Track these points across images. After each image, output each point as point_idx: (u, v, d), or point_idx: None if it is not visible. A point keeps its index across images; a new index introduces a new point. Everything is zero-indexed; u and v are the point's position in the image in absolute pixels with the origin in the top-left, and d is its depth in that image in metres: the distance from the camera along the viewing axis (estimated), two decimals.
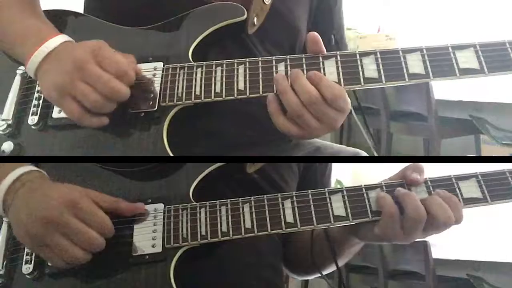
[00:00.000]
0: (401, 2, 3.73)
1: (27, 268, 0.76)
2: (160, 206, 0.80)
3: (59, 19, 0.84)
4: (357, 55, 0.77)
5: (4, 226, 0.80)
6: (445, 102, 2.67)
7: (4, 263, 0.78)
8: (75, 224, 0.72)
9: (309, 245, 0.90)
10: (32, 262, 0.77)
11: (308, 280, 3.49)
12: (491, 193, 0.77)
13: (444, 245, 2.45)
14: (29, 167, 0.78)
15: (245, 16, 0.84)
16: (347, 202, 0.78)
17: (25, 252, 0.78)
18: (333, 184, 1.05)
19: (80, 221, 0.72)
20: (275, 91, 0.76)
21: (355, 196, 0.78)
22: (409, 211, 0.74)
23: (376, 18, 3.81)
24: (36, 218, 0.71)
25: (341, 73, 0.76)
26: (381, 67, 0.76)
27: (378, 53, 0.76)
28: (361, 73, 0.76)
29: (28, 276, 0.76)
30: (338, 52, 0.78)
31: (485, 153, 2.87)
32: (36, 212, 0.72)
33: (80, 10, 0.95)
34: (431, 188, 0.78)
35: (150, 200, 0.80)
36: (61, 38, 0.78)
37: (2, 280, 0.77)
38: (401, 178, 0.80)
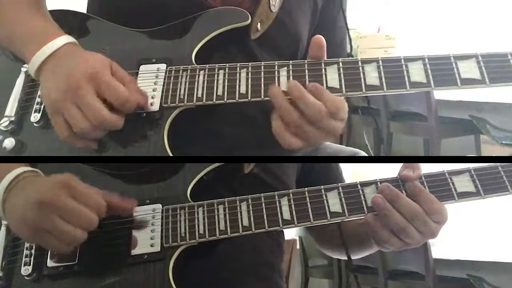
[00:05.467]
0: (401, 2, 3.73)
1: (26, 270, 0.77)
2: (158, 206, 0.80)
3: (64, 20, 0.84)
4: (359, 62, 0.77)
5: (3, 228, 0.81)
6: (445, 102, 2.67)
7: (3, 265, 0.78)
8: (70, 203, 0.71)
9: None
10: (31, 263, 0.77)
11: (308, 279, 3.51)
12: (484, 187, 0.78)
13: (444, 245, 2.45)
14: (26, 167, 0.78)
15: (249, 21, 0.85)
16: (343, 198, 0.78)
17: (24, 254, 0.78)
18: None
19: (75, 200, 0.72)
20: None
21: (351, 192, 0.79)
22: (392, 227, 0.76)
23: (376, 18, 3.81)
24: (31, 203, 0.71)
25: (342, 80, 0.76)
26: (382, 74, 0.76)
27: (380, 61, 0.76)
28: (362, 80, 0.76)
29: (27, 278, 0.77)
30: (340, 59, 0.78)
31: (485, 153, 2.87)
32: (31, 197, 0.72)
33: (83, 11, 0.95)
34: (425, 184, 0.79)
35: (148, 201, 0.81)
36: (65, 39, 0.78)
37: (1, 282, 0.77)
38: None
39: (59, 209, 0.71)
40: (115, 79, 0.74)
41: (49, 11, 0.87)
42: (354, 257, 0.96)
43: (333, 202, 0.78)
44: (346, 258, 0.96)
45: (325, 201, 0.78)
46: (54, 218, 0.71)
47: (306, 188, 0.79)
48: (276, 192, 0.80)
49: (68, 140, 0.76)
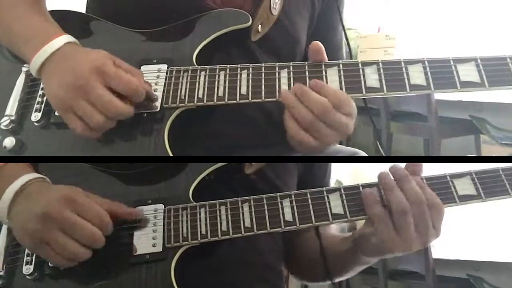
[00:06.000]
0: (401, 2, 3.73)
1: (27, 269, 0.76)
2: (160, 206, 0.80)
3: (64, 20, 0.84)
4: (360, 65, 0.77)
5: (4, 227, 0.81)
6: (445, 102, 2.68)
7: (5, 264, 0.78)
8: (74, 218, 0.72)
9: (319, 256, 0.90)
10: (33, 263, 0.77)
11: None
12: (485, 190, 0.78)
13: (444, 245, 2.46)
14: (33, 175, 0.78)
15: (249, 23, 0.85)
16: (345, 200, 0.79)
17: (26, 253, 0.78)
18: (333, 185, 1.06)
19: (78, 216, 0.72)
20: (277, 97, 0.77)
21: (353, 194, 0.79)
22: (392, 203, 0.75)
23: (376, 18, 3.81)
24: (34, 216, 0.72)
25: (343, 82, 0.77)
26: (382, 77, 0.76)
27: (380, 63, 0.77)
28: (362, 82, 0.76)
29: (28, 277, 0.76)
30: (340, 61, 0.78)
31: (485, 153, 2.87)
32: (34, 210, 0.72)
33: (82, 11, 0.95)
34: None
35: (150, 201, 0.81)
36: (65, 38, 0.78)
37: (2, 281, 0.77)
38: None
39: (62, 224, 0.71)
40: (121, 70, 0.75)
41: (50, 11, 0.87)
42: (337, 279, 0.94)
43: (335, 204, 0.78)
44: (329, 281, 0.94)
45: (327, 203, 0.78)
46: (55, 233, 0.71)
47: (307, 190, 0.80)
48: (278, 194, 0.80)
49: (83, 135, 0.76)
